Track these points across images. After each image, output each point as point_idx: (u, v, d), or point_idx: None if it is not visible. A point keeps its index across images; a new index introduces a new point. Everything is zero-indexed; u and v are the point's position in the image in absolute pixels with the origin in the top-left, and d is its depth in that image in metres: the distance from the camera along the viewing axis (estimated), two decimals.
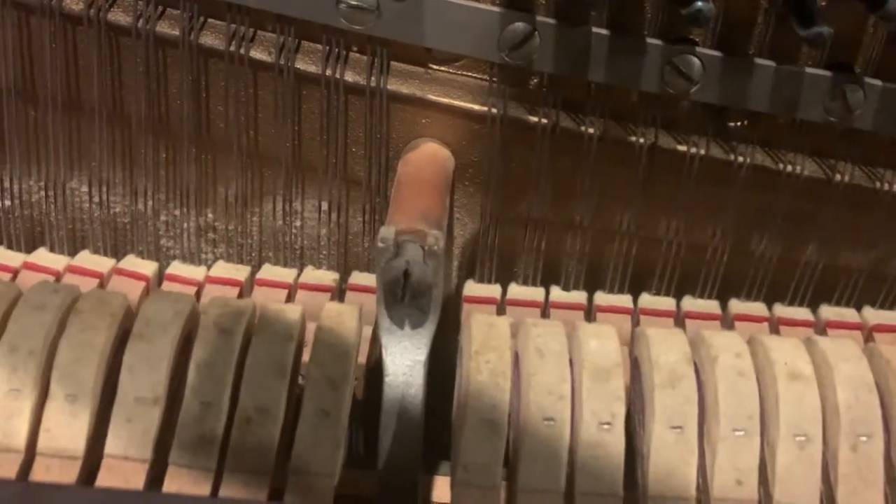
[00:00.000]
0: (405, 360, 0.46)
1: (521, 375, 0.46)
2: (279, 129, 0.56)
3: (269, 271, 0.60)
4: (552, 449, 0.43)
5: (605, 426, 0.43)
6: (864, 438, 0.43)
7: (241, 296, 0.58)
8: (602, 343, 0.46)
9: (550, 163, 0.55)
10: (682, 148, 0.54)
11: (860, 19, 0.50)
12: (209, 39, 0.54)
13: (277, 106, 0.55)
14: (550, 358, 0.45)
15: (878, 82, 0.51)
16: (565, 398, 0.44)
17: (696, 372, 0.46)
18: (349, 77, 0.54)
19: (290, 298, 0.58)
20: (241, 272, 0.60)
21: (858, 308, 0.59)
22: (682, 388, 0.44)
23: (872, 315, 0.58)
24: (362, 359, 0.53)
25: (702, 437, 0.44)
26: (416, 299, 0.45)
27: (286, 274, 0.60)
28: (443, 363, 0.51)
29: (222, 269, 0.60)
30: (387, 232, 0.45)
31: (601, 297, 0.60)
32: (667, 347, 0.46)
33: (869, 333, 0.57)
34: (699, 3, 0.45)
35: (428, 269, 0.45)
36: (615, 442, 0.43)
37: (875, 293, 0.59)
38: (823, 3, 0.49)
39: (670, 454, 0.43)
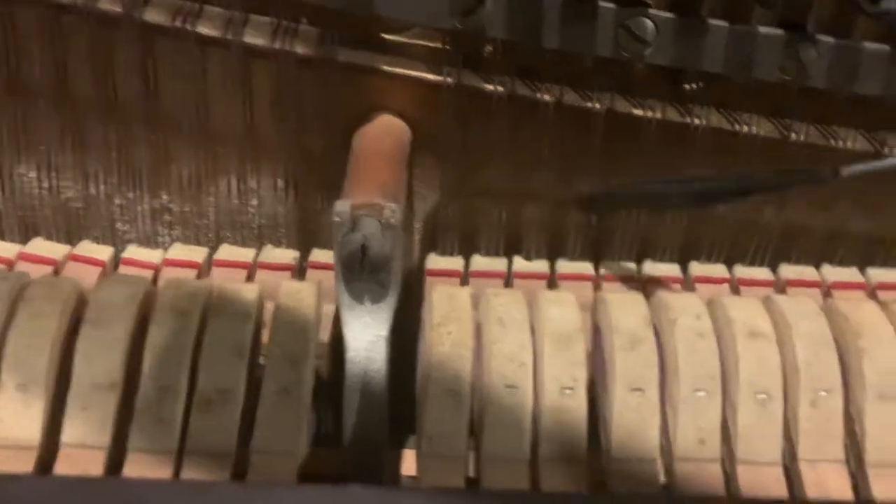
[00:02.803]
0: (367, 336, 0.46)
1: (482, 345, 0.45)
2: (230, 106, 0.55)
3: (227, 251, 0.59)
4: (515, 416, 0.43)
5: (567, 391, 0.43)
6: (823, 393, 0.44)
7: (199, 277, 0.57)
8: (562, 309, 0.46)
9: (509, 132, 0.55)
10: (639, 112, 0.54)
11: None
12: (155, 16, 0.52)
13: (227, 82, 0.54)
14: (511, 326, 0.45)
15: (830, 39, 0.51)
16: (527, 365, 0.44)
17: (658, 334, 0.46)
18: (299, 49, 0.53)
19: (249, 278, 0.58)
20: (198, 254, 0.59)
21: (817, 267, 0.60)
22: (642, 351, 0.44)
23: (831, 272, 0.59)
24: (327, 337, 0.52)
25: (664, 398, 0.44)
26: (374, 274, 0.44)
27: (245, 254, 0.59)
28: (409, 337, 0.51)
29: (179, 251, 0.59)
30: (342, 206, 0.44)
31: (563, 265, 0.60)
32: (626, 311, 0.46)
33: (827, 291, 0.58)
34: None
35: (386, 243, 0.44)
36: (577, 406, 0.43)
37: (833, 252, 0.59)
38: None
39: (632, 416, 0.43)
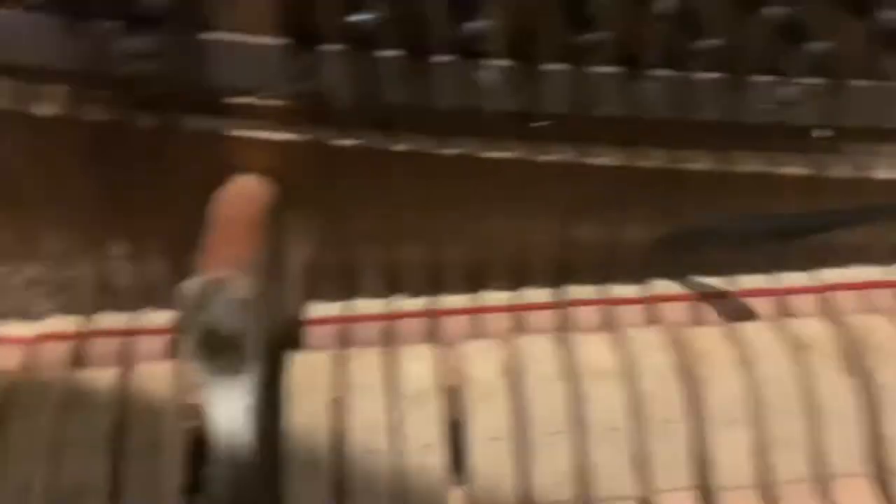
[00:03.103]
0: (230, 409, 0.46)
1: (344, 411, 0.46)
2: (87, 178, 0.54)
3: (103, 319, 0.59)
4: (379, 479, 0.44)
5: (427, 449, 0.45)
6: (671, 424, 0.46)
7: (76, 349, 0.57)
8: (419, 366, 0.47)
9: (369, 181, 0.56)
10: (492, 153, 0.55)
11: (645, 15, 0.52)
12: None
13: (78, 157, 0.53)
14: (369, 391, 0.46)
15: (665, 73, 0.52)
16: (387, 428, 0.45)
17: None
18: (144, 122, 0.52)
19: (126, 345, 0.58)
20: (74, 324, 0.58)
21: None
22: (497, 401, 0.46)
23: (698, 283, 0.62)
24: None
25: (521, 444, 0.46)
26: (230, 349, 0.45)
27: (122, 320, 0.59)
28: None
29: (55, 323, 0.59)
30: (192, 284, 0.44)
31: (443, 300, 0.61)
32: (482, 361, 0.47)
33: (695, 302, 0.60)
34: (471, 25, 0.45)
35: (237, 319, 0.44)
36: (438, 463, 0.45)
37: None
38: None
39: (491, 465, 0.45)
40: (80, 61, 0.49)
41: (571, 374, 0.47)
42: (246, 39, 0.49)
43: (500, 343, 0.49)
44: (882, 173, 0.59)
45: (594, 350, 0.47)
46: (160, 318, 0.59)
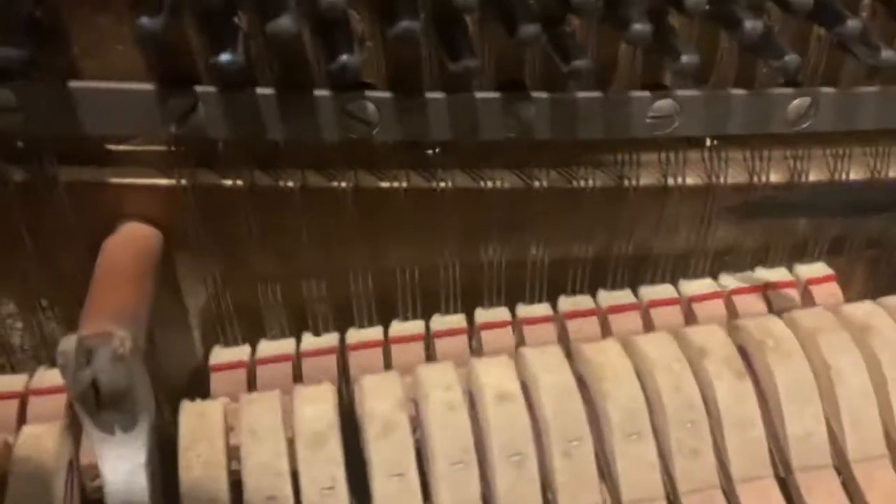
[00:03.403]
0: (124, 466, 0.45)
1: (241, 458, 0.45)
2: None
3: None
4: None
5: (327, 491, 0.44)
6: (574, 443, 0.46)
7: None
8: (315, 407, 0.46)
9: (261, 220, 0.55)
10: (385, 184, 0.55)
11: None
12: None
13: None
14: (264, 436, 0.45)
15: (545, 95, 0.53)
16: (284, 473, 0.44)
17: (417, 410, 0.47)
18: (26, 174, 0.50)
19: (23, 405, 0.55)
20: None
21: (594, 293, 0.62)
22: (397, 436, 0.45)
23: (605, 298, 0.62)
24: None
25: (424, 477, 0.45)
26: (115, 406, 0.43)
27: (15, 382, 0.57)
28: None
29: None
30: (67, 344, 0.43)
31: (352, 335, 0.60)
32: (379, 396, 0.46)
33: (604, 316, 0.61)
34: (344, 58, 0.45)
35: (121, 374, 0.43)
36: None
37: (603, 277, 0.62)
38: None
39: (394, 502, 0.44)
40: None
41: (475, 400, 0.46)
42: (117, 85, 0.47)
43: (398, 374, 0.48)
44: (774, 177, 0.61)
45: (494, 373, 0.47)
46: (57, 376, 0.57)
